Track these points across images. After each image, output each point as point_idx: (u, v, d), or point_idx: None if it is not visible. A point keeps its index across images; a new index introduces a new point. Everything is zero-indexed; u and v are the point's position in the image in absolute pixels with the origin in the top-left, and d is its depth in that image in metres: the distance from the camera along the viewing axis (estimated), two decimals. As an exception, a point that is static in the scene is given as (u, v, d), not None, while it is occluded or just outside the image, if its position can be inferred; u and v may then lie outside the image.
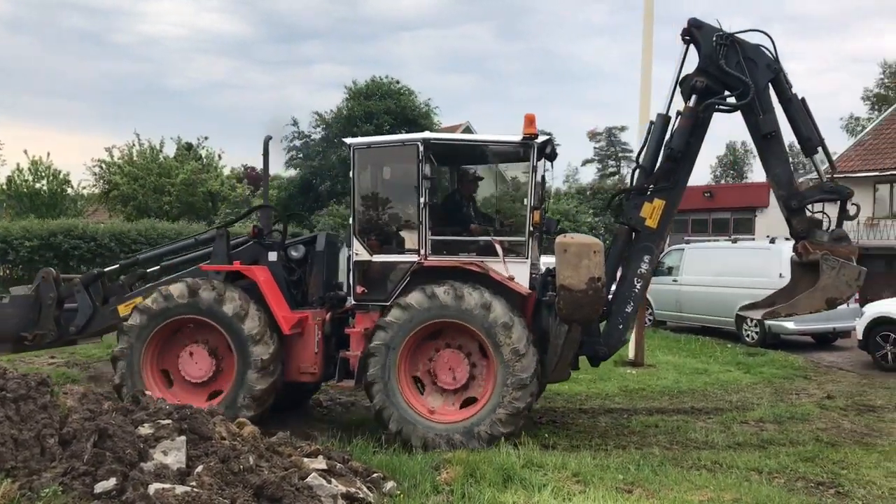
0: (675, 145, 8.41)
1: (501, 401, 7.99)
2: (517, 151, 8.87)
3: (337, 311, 9.06)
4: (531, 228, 8.52)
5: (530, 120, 8.44)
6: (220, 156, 46.75)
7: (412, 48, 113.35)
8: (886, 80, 55.06)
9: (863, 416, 10.25)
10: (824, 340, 17.97)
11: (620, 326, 8.58)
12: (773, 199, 43.54)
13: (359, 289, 8.76)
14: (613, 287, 8.72)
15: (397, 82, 39.81)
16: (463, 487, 6.28)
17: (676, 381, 12.76)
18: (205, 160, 44.96)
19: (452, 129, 50.19)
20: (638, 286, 8.58)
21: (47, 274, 9.64)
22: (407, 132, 38.76)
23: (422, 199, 8.42)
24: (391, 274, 8.69)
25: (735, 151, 79.45)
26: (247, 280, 8.88)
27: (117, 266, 10.16)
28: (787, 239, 17.52)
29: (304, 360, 8.83)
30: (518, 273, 8.45)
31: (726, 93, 8.39)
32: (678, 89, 8.60)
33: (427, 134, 8.57)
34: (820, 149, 8.30)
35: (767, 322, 16.57)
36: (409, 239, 8.75)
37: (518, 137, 8.52)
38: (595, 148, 74.48)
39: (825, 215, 8.38)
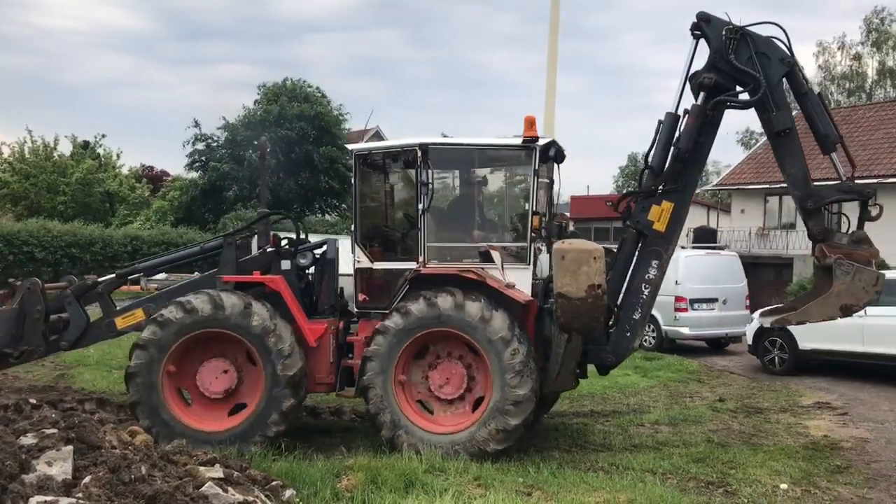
0: (683, 145, 8.10)
1: (495, 415, 7.77)
2: (518, 155, 8.71)
3: (349, 320, 8.86)
4: (532, 234, 8.34)
5: (530, 122, 8.23)
6: (118, 155, 45.35)
7: (320, 51, 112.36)
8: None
9: (751, 417, 10.69)
10: (717, 345, 18.68)
11: (628, 334, 8.31)
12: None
13: (360, 296, 8.62)
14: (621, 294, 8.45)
15: (310, 86, 39.40)
16: (364, 494, 6.24)
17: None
18: (102, 159, 43.37)
19: (361, 135, 50.07)
20: (646, 292, 8.28)
21: (33, 285, 8.98)
22: (316, 137, 38.54)
23: (420, 205, 8.29)
24: (392, 281, 8.51)
25: (636, 162, 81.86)
26: (258, 288, 8.61)
27: (113, 276, 9.57)
28: (682, 247, 18.20)
29: (320, 370, 8.59)
30: (519, 280, 8.26)
31: (738, 88, 8.12)
32: (688, 86, 8.29)
33: (426, 138, 8.40)
34: (839, 146, 7.99)
35: (664, 327, 17.16)
36: (409, 246, 8.60)
37: (518, 140, 8.37)
38: (503, 156, 75.52)
39: (845, 216, 8.08)
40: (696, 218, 36.74)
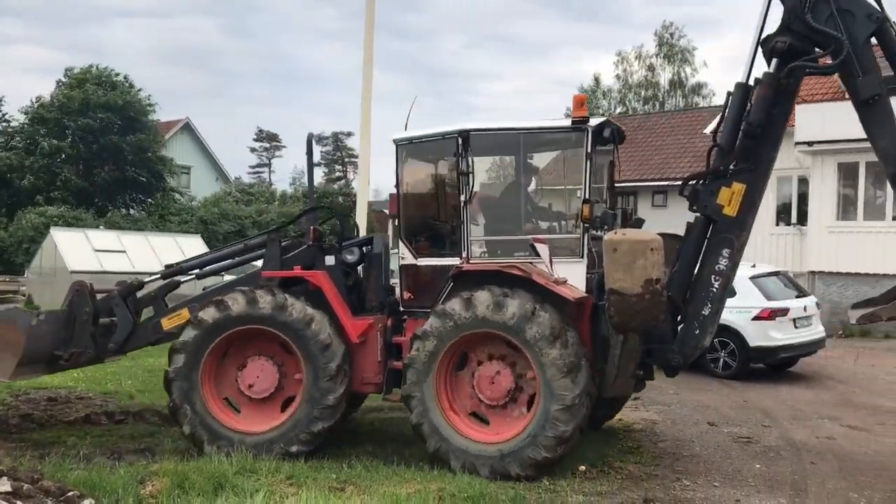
0: (755, 119, 7.20)
1: (544, 423, 7.05)
2: (568, 138, 8.00)
3: (400, 319, 8.29)
4: (585, 224, 7.55)
5: (580, 101, 7.59)
6: None
7: (127, 36, 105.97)
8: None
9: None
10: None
11: (697, 332, 7.47)
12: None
13: (406, 294, 8.17)
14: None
15: (117, 74, 37.15)
16: (170, 499, 6.01)
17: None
18: None
19: (170, 126, 47.82)
20: (716, 285, 7.43)
21: (82, 287, 8.72)
22: (122, 127, 36.32)
23: (462, 197, 7.76)
24: (437, 279, 7.97)
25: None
26: (302, 286, 8.19)
27: (158, 276, 9.14)
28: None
29: (367, 369, 8.14)
30: (572, 275, 7.50)
31: (818, 51, 7.16)
32: (760, 53, 7.34)
33: (468, 124, 7.86)
34: None
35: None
36: (454, 240, 8.02)
37: (568, 122, 7.73)
38: (322, 152, 74.90)
39: None
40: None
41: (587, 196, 7.53)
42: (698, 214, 7.54)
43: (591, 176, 7.57)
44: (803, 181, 22.20)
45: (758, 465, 7.77)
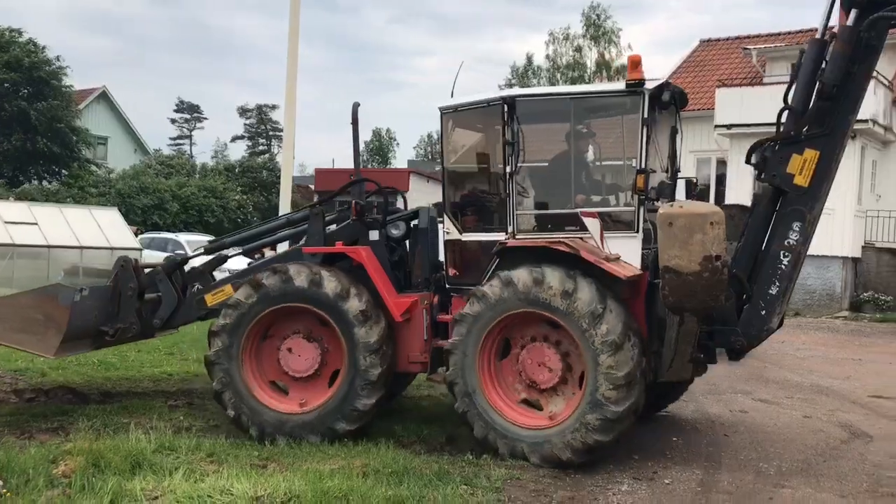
0: (830, 78, 6.55)
1: (593, 404, 6.57)
2: (623, 102, 7.45)
3: (444, 295, 7.94)
4: (641, 195, 7.03)
5: (635, 63, 7.01)
6: None
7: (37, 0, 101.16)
8: (514, 81, 61.48)
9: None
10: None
11: (763, 312, 6.89)
12: (413, 184, 46.55)
13: (451, 271, 7.83)
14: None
15: (20, 33, 35.42)
16: (84, 479, 5.82)
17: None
18: None
19: (85, 95, 45.95)
20: (785, 262, 6.84)
21: (126, 262, 8.63)
22: (31, 92, 34.69)
23: (508, 168, 7.35)
24: (482, 255, 7.61)
25: (381, 137, 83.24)
26: (346, 262, 7.84)
27: (202, 251, 9.14)
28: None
29: (413, 348, 7.78)
30: (626, 251, 7.02)
31: None
32: (837, 5, 6.75)
33: (514, 90, 7.46)
34: None
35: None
36: (499, 214, 7.62)
37: (622, 85, 7.21)
38: (245, 125, 73.33)
39: None
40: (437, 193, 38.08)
41: (643, 165, 7.05)
42: (767, 184, 6.98)
43: (647, 143, 7.08)
44: (722, 163, 22.87)
45: (675, 438, 7.99)
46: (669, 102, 7.45)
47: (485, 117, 7.85)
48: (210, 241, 9.26)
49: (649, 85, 7.05)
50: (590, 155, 8.33)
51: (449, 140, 8.07)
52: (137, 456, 6.34)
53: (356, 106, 8.52)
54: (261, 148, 70.00)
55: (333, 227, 8.39)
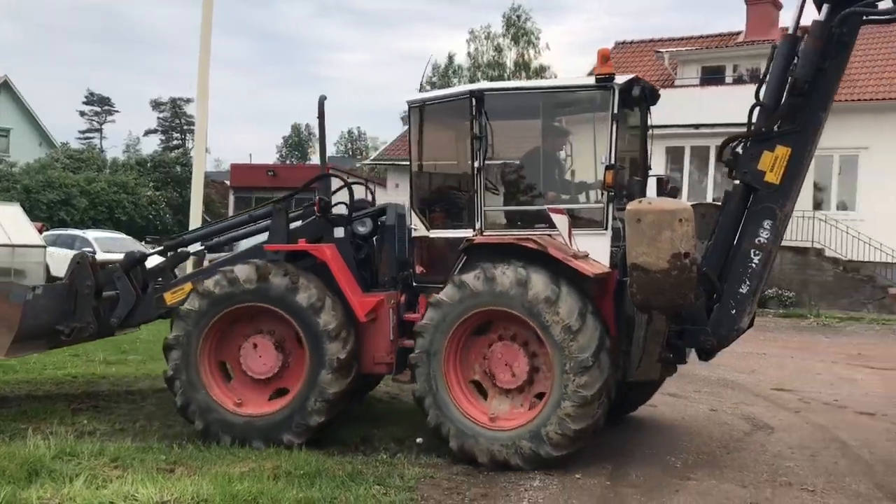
0: (802, 74, 6.48)
1: (565, 391, 6.45)
2: (592, 97, 7.39)
3: (411, 294, 7.75)
4: (610, 192, 6.96)
5: (604, 56, 6.91)
6: None
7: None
8: (434, 79, 61.61)
9: (388, 383, 11.06)
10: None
11: (733, 312, 6.77)
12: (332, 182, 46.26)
13: (418, 268, 7.69)
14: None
15: None
16: (-25, 489, 5.54)
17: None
18: None
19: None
20: (756, 260, 6.73)
21: (83, 259, 8.36)
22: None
23: (476, 163, 7.20)
24: (450, 252, 7.42)
25: (300, 132, 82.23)
26: (308, 260, 7.55)
27: (161, 248, 8.92)
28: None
29: (378, 349, 7.55)
30: (595, 248, 6.95)
31: None
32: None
33: (482, 84, 7.33)
34: None
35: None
36: (467, 211, 7.45)
37: (591, 79, 7.05)
38: (159, 118, 71.36)
39: None
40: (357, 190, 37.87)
41: (612, 161, 6.98)
42: (738, 182, 6.89)
43: (616, 139, 7.02)
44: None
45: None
46: (640, 98, 7.41)
47: (452, 111, 7.72)
48: (168, 239, 8.94)
49: (619, 79, 7.02)
50: (559, 150, 8.28)
51: (417, 135, 7.93)
52: (35, 463, 6.11)
53: (322, 99, 8.34)
54: (175, 142, 68.25)
55: (298, 223, 8.22)
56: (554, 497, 6.12)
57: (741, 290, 6.78)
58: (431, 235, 7.66)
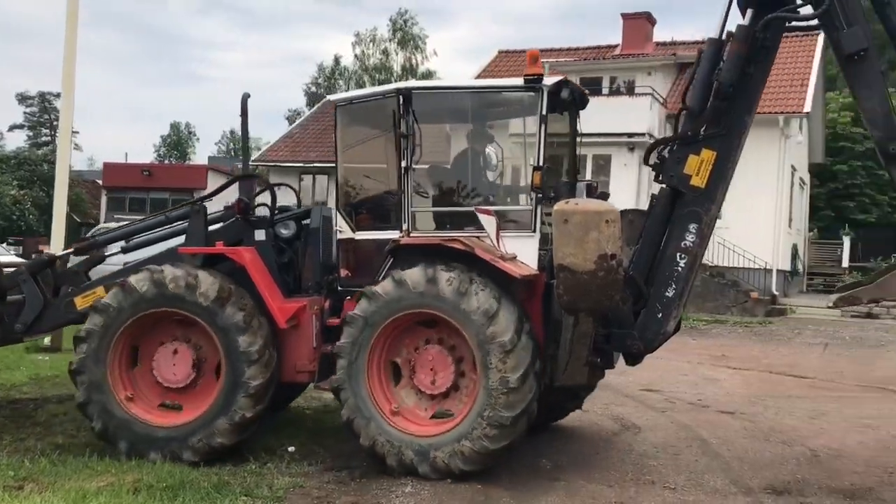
0: (726, 78, 6.46)
1: (487, 409, 6.33)
2: (520, 99, 7.32)
3: (337, 299, 7.44)
4: (538, 194, 6.85)
5: (534, 58, 6.81)
6: None
7: None
8: (320, 80, 60.98)
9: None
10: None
11: (659, 315, 6.76)
12: (211, 182, 44.87)
13: (344, 272, 7.42)
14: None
15: None
16: None
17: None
18: None
19: None
20: (682, 264, 6.72)
21: None
22: None
23: (403, 163, 7.00)
24: (376, 254, 7.18)
25: (179, 131, 79.70)
26: (227, 264, 7.23)
27: (72, 250, 8.43)
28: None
29: (300, 356, 7.27)
30: (523, 250, 6.82)
31: (799, 1, 6.53)
32: (735, 4, 6.66)
33: (411, 83, 7.26)
34: None
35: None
36: (395, 212, 7.20)
37: (520, 81, 6.91)
38: (26, 113, 67.50)
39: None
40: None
41: (540, 163, 6.89)
42: (664, 186, 6.92)
43: (545, 141, 6.92)
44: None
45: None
46: (569, 101, 7.37)
47: (380, 111, 7.51)
48: (78, 241, 8.46)
49: (548, 81, 6.96)
50: (487, 151, 8.09)
51: (343, 134, 7.71)
52: None
53: (245, 97, 8.07)
54: (44, 139, 64.77)
55: (217, 226, 7.89)
56: (426, 502, 6.11)
57: (667, 293, 6.80)
58: (357, 237, 7.48)
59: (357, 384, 6.70)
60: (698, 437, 8.55)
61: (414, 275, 6.58)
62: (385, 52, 52.81)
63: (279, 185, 8.54)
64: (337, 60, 56.07)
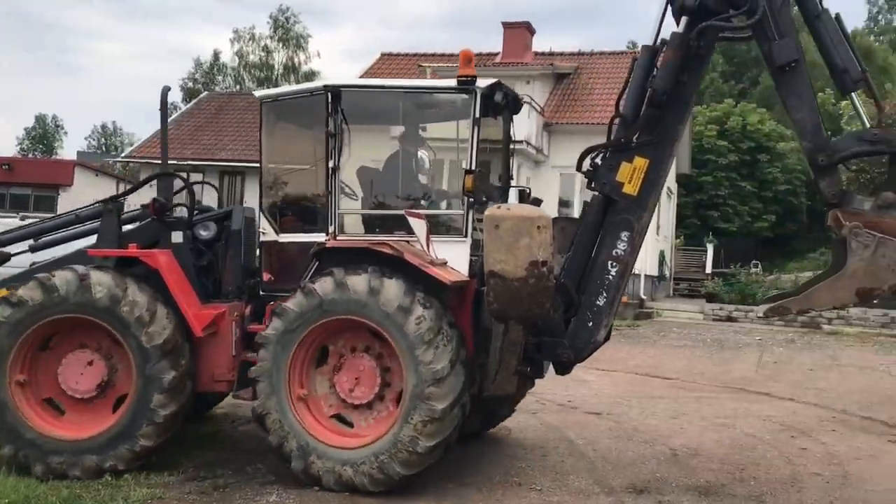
0: (660, 85, 6.40)
1: (416, 405, 6.11)
2: (453, 100, 7.16)
3: (259, 304, 7.11)
4: (469, 198, 6.66)
5: (467, 58, 6.60)
6: None
7: None
8: (197, 76, 59.16)
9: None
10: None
11: (590, 324, 6.64)
12: (78, 178, 42.78)
13: (266, 276, 7.14)
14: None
15: None
16: None
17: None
18: None
19: None
20: (613, 272, 6.62)
21: None
22: None
23: (330, 163, 6.78)
24: (301, 257, 6.87)
25: (45, 124, 75.59)
26: (142, 267, 6.83)
27: None
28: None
29: (219, 365, 6.94)
30: (454, 256, 6.64)
31: (732, 11, 6.42)
32: (669, 12, 6.61)
33: (339, 80, 7.03)
34: (861, 83, 6.22)
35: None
36: (320, 214, 6.94)
37: (453, 82, 6.74)
38: None
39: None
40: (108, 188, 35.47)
41: (472, 166, 6.73)
42: (597, 193, 6.81)
43: (477, 144, 6.79)
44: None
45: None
46: (503, 105, 7.33)
47: (307, 108, 7.27)
48: None
49: (481, 83, 6.86)
50: (418, 153, 7.95)
51: (268, 133, 7.42)
52: None
53: (166, 90, 7.72)
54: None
55: (131, 226, 7.50)
56: (291, 511, 5.98)
57: (598, 302, 6.74)
58: (282, 240, 7.17)
59: (281, 406, 6.43)
60: (566, 437, 8.76)
61: (320, 284, 6.37)
62: (266, 50, 51.82)
63: (197, 183, 8.31)
64: (216, 56, 54.51)
